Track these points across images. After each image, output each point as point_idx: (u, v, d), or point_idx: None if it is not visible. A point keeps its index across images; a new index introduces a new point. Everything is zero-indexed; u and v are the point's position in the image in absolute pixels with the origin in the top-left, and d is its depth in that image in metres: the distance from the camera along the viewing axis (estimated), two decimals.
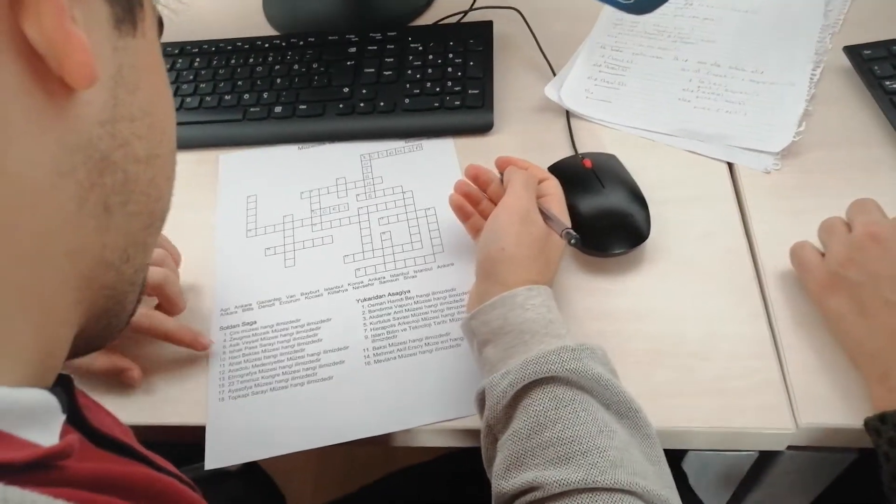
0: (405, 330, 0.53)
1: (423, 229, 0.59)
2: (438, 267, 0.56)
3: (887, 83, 0.62)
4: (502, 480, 0.40)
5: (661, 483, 0.40)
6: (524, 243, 0.47)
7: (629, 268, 0.56)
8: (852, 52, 0.65)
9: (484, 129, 0.65)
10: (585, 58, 0.71)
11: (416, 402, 0.50)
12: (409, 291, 0.55)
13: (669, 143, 0.63)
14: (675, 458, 0.55)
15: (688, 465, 0.57)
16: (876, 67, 0.63)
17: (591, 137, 0.64)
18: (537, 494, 0.38)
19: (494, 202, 0.54)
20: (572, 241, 0.47)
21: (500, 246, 0.47)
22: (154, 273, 0.50)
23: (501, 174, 0.55)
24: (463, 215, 0.56)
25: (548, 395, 0.41)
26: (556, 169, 0.60)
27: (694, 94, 0.66)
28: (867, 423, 0.44)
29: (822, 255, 0.50)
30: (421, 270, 0.56)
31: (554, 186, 0.54)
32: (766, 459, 0.54)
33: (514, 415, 0.42)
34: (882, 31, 0.66)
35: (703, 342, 0.51)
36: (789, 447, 0.49)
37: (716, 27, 0.72)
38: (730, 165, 0.61)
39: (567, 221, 0.52)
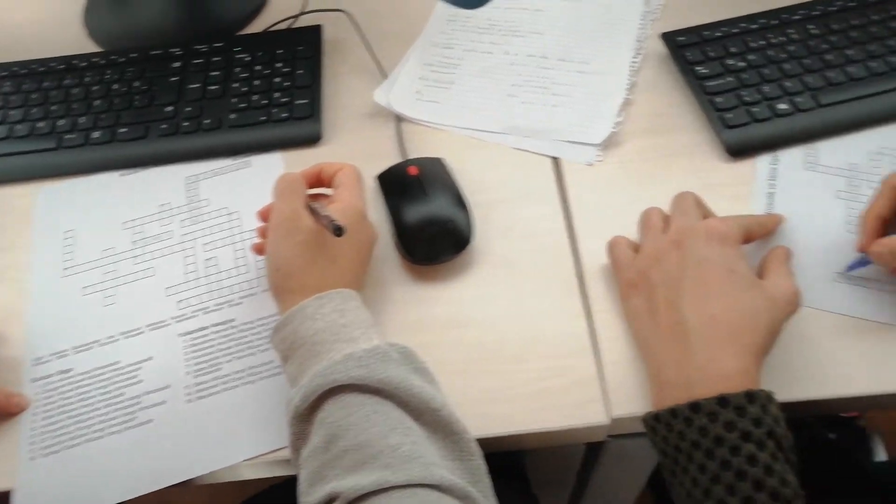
0: (230, 361, 0.52)
1: (249, 252, 0.57)
2: (264, 291, 0.55)
3: (698, 69, 0.64)
4: (305, 497, 0.41)
5: (466, 478, 0.41)
6: (294, 255, 0.48)
7: (456, 274, 0.56)
8: (668, 38, 0.66)
9: (312, 140, 0.64)
10: (417, 58, 0.70)
11: (240, 435, 0.49)
12: (233, 320, 0.54)
13: (498, 141, 0.63)
14: (517, 464, 0.57)
15: (528, 467, 0.58)
16: (688, 53, 0.65)
17: (421, 141, 0.64)
18: None
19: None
20: (336, 232, 0.47)
21: (275, 267, 0.48)
22: None
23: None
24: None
25: (338, 405, 0.42)
26: (383, 178, 0.60)
27: (522, 88, 0.66)
28: (644, 420, 0.45)
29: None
30: (247, 296, 0.55)
31: (346, 175, 0.54)
32: (594, 450, 0.55)
33: (312, 430, 0.43)
34: (700, 16, 0.68)
35: (524, 344, 0.52)
36: (610, 436, 0.51)
37: (545, 19, 0.72)
38: (555, 160, 0.62)
39: (360, 205, 0.52)
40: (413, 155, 0.62)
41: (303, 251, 0.48)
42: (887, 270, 0.52)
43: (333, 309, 0.46)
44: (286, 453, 0.48)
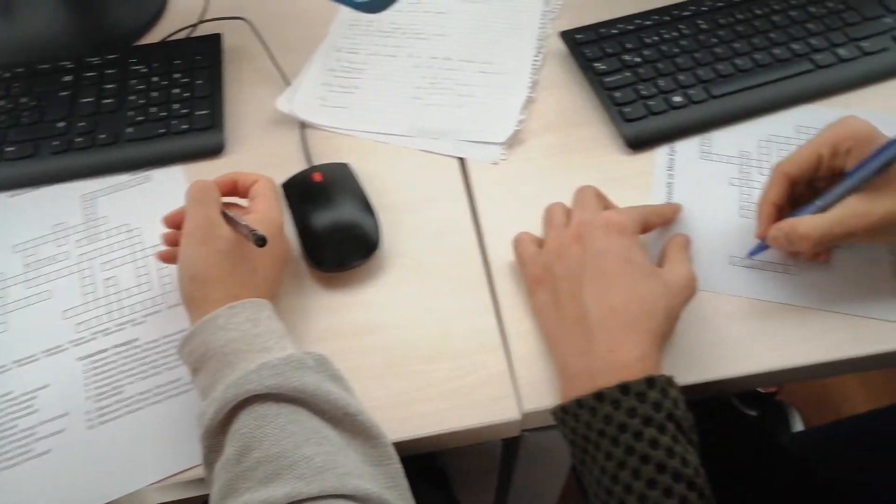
0: (133, 382, 0.50)
1: (152, 269, 0.56)
2: (169, 307, 0.53)
3: (597, 65, 0.65)
4: None
5: (384, 484, 0.41)
6: (211, 263, 0.46)
7: (366, 279, 0.56)
8: (567, 36, 0.68)
9: (214, 151, 0.62)
10: (320, 63, 0.69)
11: (146, 459, 0.47)
12: (136, 340, 0.52)
13: (404, 144, 0.63)
14: (436, 466, 0.57)
15: (449, 468, 0.59)
16: (587, 51, 0.66)
17: (327, 147, 0.63)
18: None
19: None
20: (258, 242, 0.46)
21: (190, 275, 0.47)
22: None
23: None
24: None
25: (252, 415, 0.41)
26: (288, 186, 0.59)
27: (426, 91, 0.67)
28: (553, 413, 0.46)
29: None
30: (150, 314, 0.53)
31: (263, 186, 0.53)
32: (512, 446, 0.56)
33: (225, 442, 0.42)
34: (597, 14, 0.70)
35: (436, 344, 0.52)
36: (524, 431, 0.52)
37: (448, 20, 0.73)
38: (461, 160, 0.62)
39: (278, 217, 0.51)
40: (319, 161, 0.61)
41: (221, 260, 0.46)
42: (785, 253, 0.54)
43: (246, 318, 0.45)
44: (197, 472, 0.47)
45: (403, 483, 0.43)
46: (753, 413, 1.28)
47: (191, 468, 0.47)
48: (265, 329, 0.45)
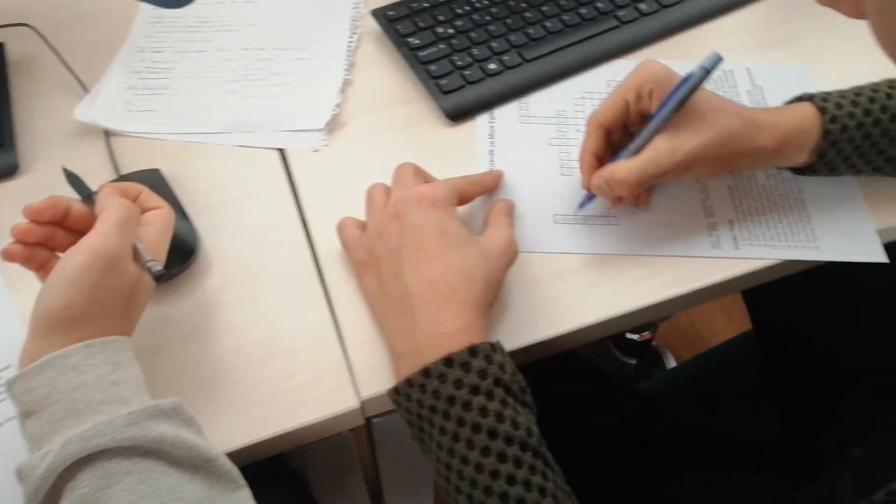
0: None
1: None
2: None
3: (411, 40, 0.65)
4: None
5: None
6: (102, 299, 0.41)
7: (190, 287, 0.53)
8: (378, 14, 0.67)
9: (7, 172, 0.57)
10: (123, 66, 0.65)
11: None
12: None
13: (220, 141, 0.61)
14: (288, 468, 0.55)
15: (308, 469, 0.57)
16: (400, 27, 0.65)
17: (136, 154, 0.59)
18: None
19: (84, 230, 0.44)
20: (159, 278, 0.43)
21: (65, 303, 0.40)
22: None
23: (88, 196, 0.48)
24: (34, 265, 0.45)
25: (98, 473, 0.37)
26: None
27: (240, 84, 0.64)
28: (389, 395, 0.46)
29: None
30: None
31: (156, 217, 0.47)
32: (364, 433, 0.55)
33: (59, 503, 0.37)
34: None
35: (268, 344, 0.50)
36: (370, 418, 0.51)
37: (258, 9, 0.70)
38: (281, 152, 0.60)
39: (161, 254, 0.46)
40: (128, 170, 0.58)
41: (112, 296, 0.41)
42: (611, 202, 0.56)
43: (105, 361, 0.40)
44: None
45: None
46: (632, 361, 1.34)
47: None
48: (125, 376, 0.41)
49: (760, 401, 0.74)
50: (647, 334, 1.30)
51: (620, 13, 0.67)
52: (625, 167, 0.50)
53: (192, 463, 0.40)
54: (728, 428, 0.71)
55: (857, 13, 0.35)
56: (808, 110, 0.52)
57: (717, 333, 1.41)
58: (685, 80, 0.50)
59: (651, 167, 0.50)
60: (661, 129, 0.51)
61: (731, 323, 1.42)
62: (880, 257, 0.54)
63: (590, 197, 0.55)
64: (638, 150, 0.51)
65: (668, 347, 1.36)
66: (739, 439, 0.69)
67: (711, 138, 0.50)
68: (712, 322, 1.43)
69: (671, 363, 1.33)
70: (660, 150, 0.50)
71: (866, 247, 0.54)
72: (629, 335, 1.30)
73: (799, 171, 0.56)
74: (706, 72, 0.49)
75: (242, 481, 0.41)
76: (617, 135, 0.55)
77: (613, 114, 0.53)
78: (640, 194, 0.56)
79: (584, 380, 0.71)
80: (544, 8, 0.67)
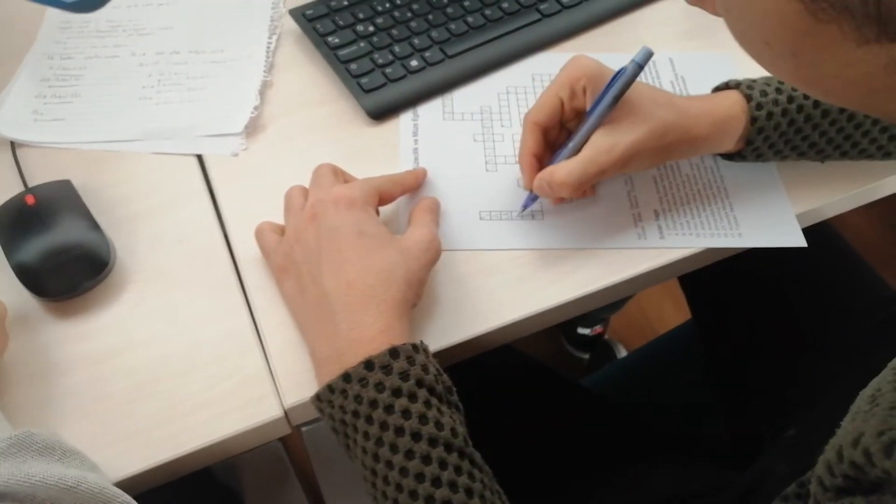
0: None
1: None
2: None
3: (330, 39, 0.63)
4: None
5: None
6: None
7: (105, 300, 0.51)
8: (296, 14, 0.65)
9: None
10: (30, 74, 0.62)
11: None
12: None
13: (135, 149, 0.58)
14: (215, 480, 0.54)
15: (242, 481, 0.55)
16: (319, 26, 0.64)
17: (46, 166, 0.57)
18: None
19: None
20: None
21: None
22: None
23: None
24: None
25: None
26: None
27: (155, 89, 0.62)
28: (312, 401, 0.44)
29: None
30: None
31: None
32: (295, 440, 0.54)
33: None
34: None
35: (188, 355, 0.49)
36: (302, 425, 0.50)
37: (173, 11, 0.68)
38: (199, 158, 0.58)
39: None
40: (37, 182, 0.55)
41: None
42: (553, 202, 0.55)
43: None
44: None
45: None
46: (585, 356, 1.35)
47: None
48: None
49: (702, 387, 0.75)
50: (598, 328, 1.30)
51: (542, 6, 0.67)
52: (565, 169, 0.49)
53: (44, 499, 0.36)
54: (670, 416, 0.72)
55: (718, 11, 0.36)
56: (735, 97, 0.52)
57: (666, 322, 1.43)
58: (618, 75, 0.49)
59: (591, 167, 0.49)
60: (598, 126, 0.50)
61: (680, 311, 1.43)
62: (799, 242, 0.54)
63: (532, 198, 0.55)
64: (577, 149, 0.50)
65: (620, 340, 1.37)
66: (681, 428, 0.70)
67: (648, 131, 0.49)
68: (661, 311, 1.45)
69: (623, 355, 1.34)
70: (598, 148, 0.49)
71: (786, 232, 0.55)
72: (581, 330, 1.30)
73: (728, 157, 0.56)
74: (639, 67, 0.48)
75: (124, 497, 0.39)
76: (554, 133, 0.54)
77: (548, 112, 0.52)
78: (586, 190, 0.55)
79: (525, 377, 0.70)
80: (465, 3, 0.66)
